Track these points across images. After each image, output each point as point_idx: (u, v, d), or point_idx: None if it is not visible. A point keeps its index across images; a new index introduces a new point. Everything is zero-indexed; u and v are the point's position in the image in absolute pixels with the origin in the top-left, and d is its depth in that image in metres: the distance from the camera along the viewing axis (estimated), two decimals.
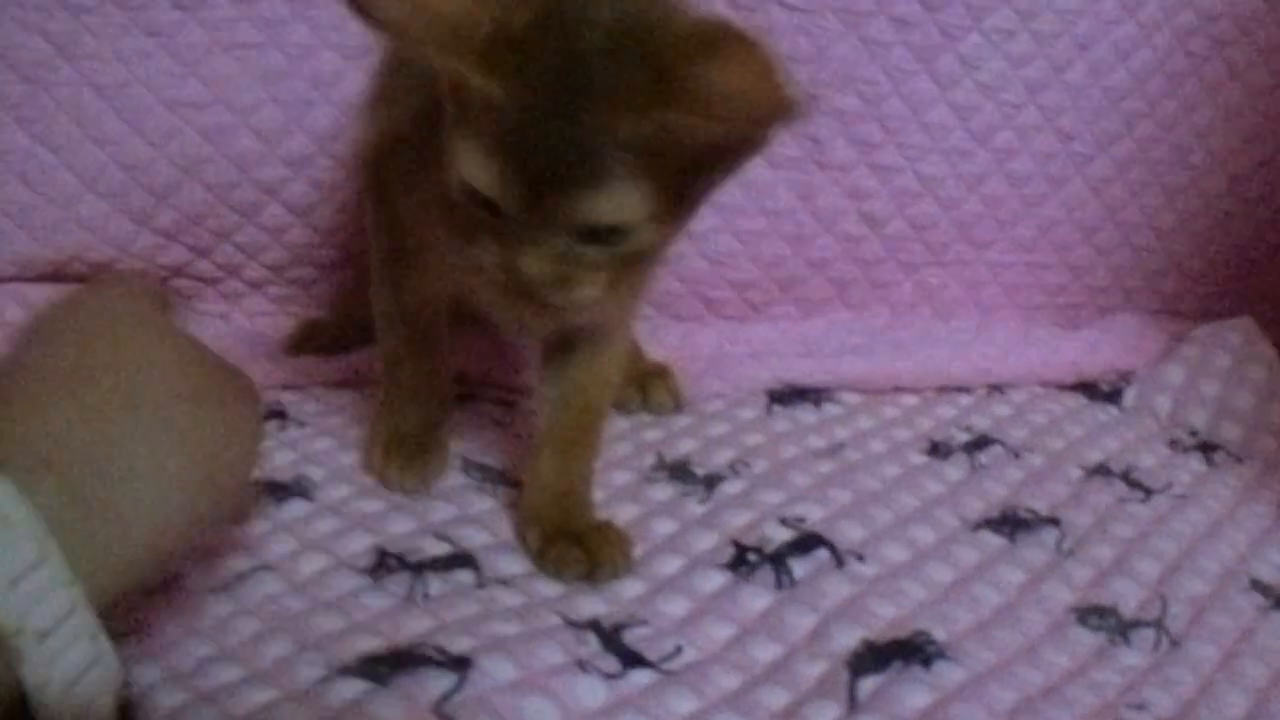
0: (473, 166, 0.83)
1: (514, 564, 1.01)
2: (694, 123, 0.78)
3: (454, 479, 1.14)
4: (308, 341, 1.38)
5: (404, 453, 1.12)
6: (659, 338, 1.41)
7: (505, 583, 0.98)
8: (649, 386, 1.32)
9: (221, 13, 1.34)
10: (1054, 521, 1.12)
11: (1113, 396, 1.42)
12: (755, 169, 1.40)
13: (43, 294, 1.37)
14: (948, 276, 1.51)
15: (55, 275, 1.40)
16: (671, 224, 0.89)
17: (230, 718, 0.80)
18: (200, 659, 0.86)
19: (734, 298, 1.48)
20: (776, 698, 0.86)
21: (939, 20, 1.40)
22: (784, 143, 1.41)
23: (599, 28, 0.80)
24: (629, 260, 0.87)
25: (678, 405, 1.32)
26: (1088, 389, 1.43)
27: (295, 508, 1.06)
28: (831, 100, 1.41)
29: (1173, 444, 1.33)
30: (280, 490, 1.08)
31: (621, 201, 0.82)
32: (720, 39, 0.79)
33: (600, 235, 0.83)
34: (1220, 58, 1.49)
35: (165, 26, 1.34)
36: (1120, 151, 1.50)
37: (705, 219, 1.41)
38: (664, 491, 1.15)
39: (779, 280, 1.47)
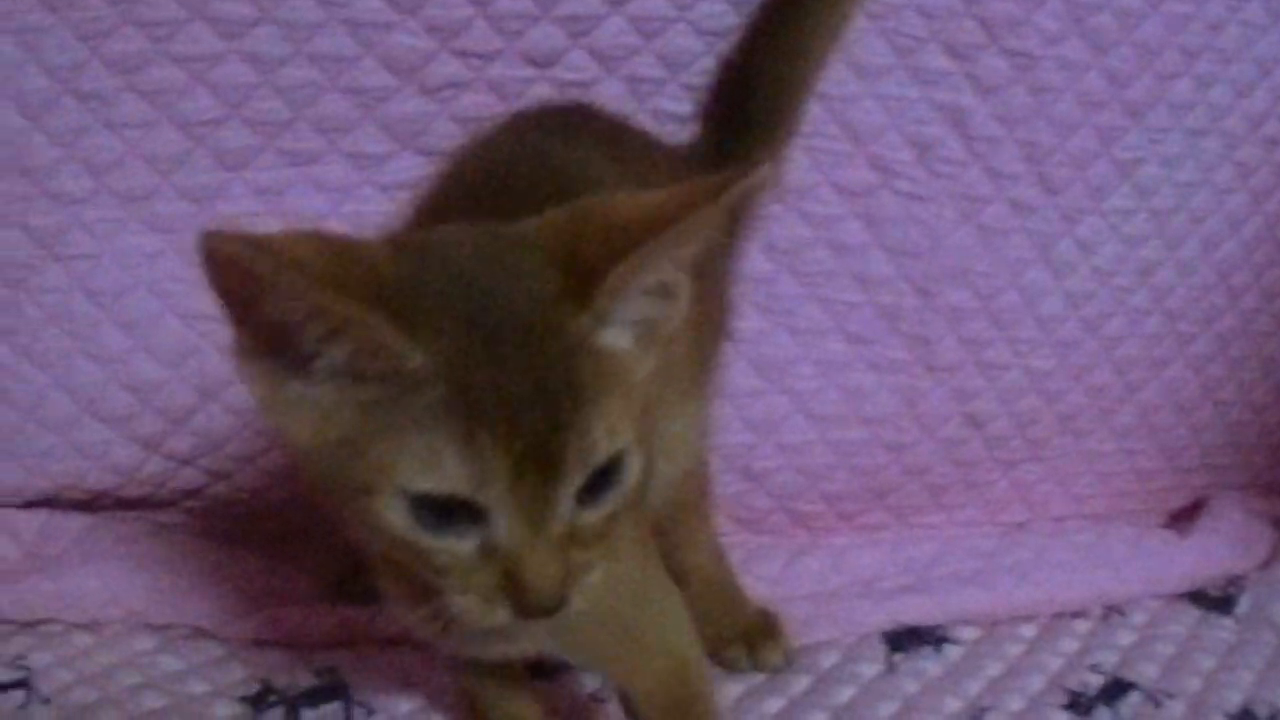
0: (428, 468, 0.65)
1: None
2: (647, 253, 0.67)
3: None
4: (352, 583, 1.20)
5: None
6: (755, 568, 1.28)
7: None
8: (756, 644, 1.18)
9: (241, 205, 1.17)
10: None
11: (1224, 605, 1.32)
12: (857, 374, 1.30)
13: (34, 524, 1.24)
14: (1044, 470, 1.41)
15: (48, 502, 1.24)
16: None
17: None
18: None
19: (826, 510, 1.35)
20: None
21: (1059, 203, 1.28)
22: (890, 345, 1.29)
23: (481, 256, 0.69)
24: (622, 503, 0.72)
25: (788, 661, 1.19)
26: (1197, 598, 1.34)
27: None
28: (944, 297, 1.29)
29: None
30: None
31: (616, 417, 0.69)
32: (588, 205, 0.71)
33: (598, 485, 0.68)
34: None
35: (174, 222, 1.17)
36: (1223, 326, 1.41)
37: (800, 429, 1.31)
38: None
39: (874, 489, 1.35)
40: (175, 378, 1.20)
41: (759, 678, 1.17)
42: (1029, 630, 1.28)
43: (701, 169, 1.07)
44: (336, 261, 0.63)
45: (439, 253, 0.69)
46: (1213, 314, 1.40)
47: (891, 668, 1.20)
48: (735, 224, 1.15)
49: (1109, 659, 1.24)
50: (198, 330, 1.18)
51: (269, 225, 1.16)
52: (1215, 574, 1.37)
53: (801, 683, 1.17)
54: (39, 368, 1.19)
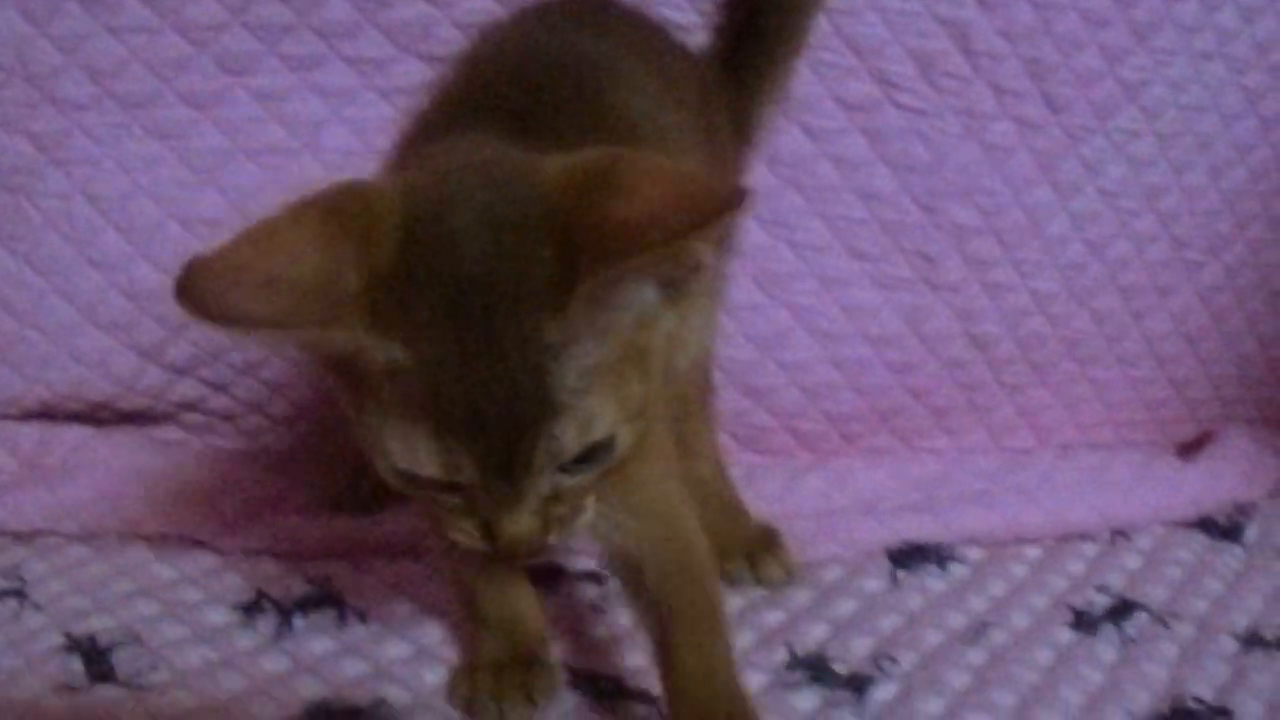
0: (406, 452, 0.70)
1: None
2: (624, 270, 0.66)
3: (564, 699, 0.99)
4: (354, 492, 1.20)
5: (500, 679, 0.96)
6: (757, 486, 1.27)
7: None
8: (757, 558, 1.18)
9: (243, 111, 1.18)
10: (1225, 713, 1.01)
11: (1233, 533, 1.32)
12: (860, 291, 1.29)
13: (31, 435, 1.24)
14: (1050, 396, 1.40)
15: (46, 413, 1.25)
16: (643, 403, 0.75)
17: None
18: None
19: (829, 430, 1.35)
20: None
21: (1064, 122, 1.28)
22: (894, 262, 1.29)
23: (477, 236, 0.69)
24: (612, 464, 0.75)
25: (790, 576, 1.18)
26: (1206, 525, 1.34)
27: None
28: (948, 214, 1.29)
29: None
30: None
31: (592, 413, 0.70)
32: (603, 172, 0.68)
33: (582, 457, 0.71)
34: None
35: (176, 127, 1.18)
36: (1231, 256, 1.41)
37: (802, 346, 1.30)
38: (807, 700, 1.00)
39: (879, 410, 1.35)
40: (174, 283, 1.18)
41: (759, 592, 1.17)
42: (1034, 552, 1.27)
43: (715, 79, 1.09)
44: (318, 270, 0.66)
45: (435, 223, 0.69)
46: (1220, 243, 1.40)
47: (895, 583, 1.19)
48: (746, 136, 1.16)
49: (1116, 580, 1.23)
50: (198, 236, 1.17)
51: (269, 135, 1.18)
52: (1223, 501, 1.36)
53: (803, 597, 1.16)
54: (40, 274, 1.20)
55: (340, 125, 1.19)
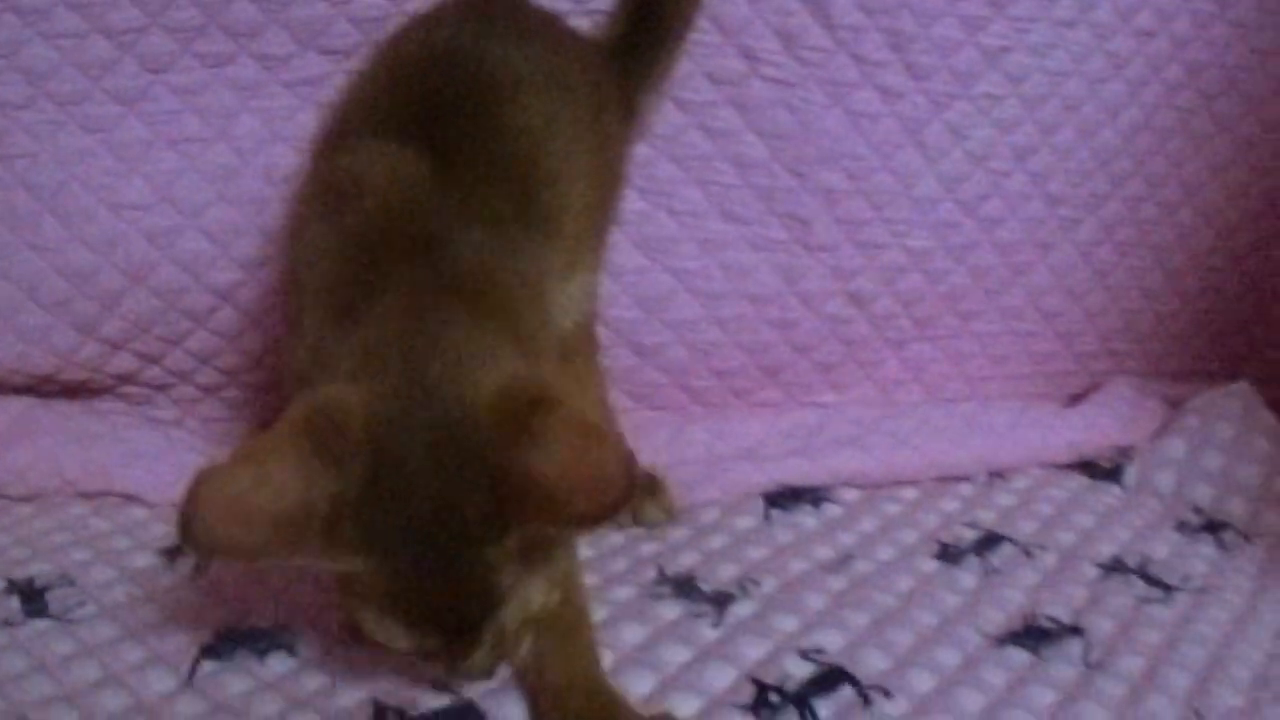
0: (378, 630, 0.86)
1: (519, 710, 0.96)
2: (545, 519, 0.82)
3: None
4: None
5: None
6: (645, 437, 1.34)
7: None
8: (639, 500, 1.25)
9: (164, 105, 1.27)
10: (1077, 631, 1.07)
11: (1113, 474, 1.38)
12: (738, 253, 1.37)
13: None
14: (935, 351, 1.47)
15: None
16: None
17: None
18: None
19: (718, 386, 1.42)
20: None
21: (927, 89, 1.35)
22: (768, 225, 1.37)
23: (425, 471, 0.81)
24: None
25: (669, 517, 1.26)
26: (1088, 468, 1.40)
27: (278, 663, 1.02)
28: (817, 178, 1.36)
29: (1181, 526, 1.29)
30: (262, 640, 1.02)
31: (528, 598, 0.86)
32: (529, 422, 0.80)
33: None
34: (1208, 111, 1.46)
35: (104, 122, 1.27)
36: (1108, 213, 1.47)
37: (688, 307, 1.38)
38: (671, 610, 1.09)
39: (764, 367, 1.42)
40: (105, 263, 1.28)
41: (639, 530, 1.25)
42: (911, 493, 1.35)
43: (608, 70, 1.19)
44: (294, 503, 0.79)
45: (392, 454, 0.81)
46: (1095, 200, 1.46)
47: (768, 520, 1.27)
48: (632, 121, 1.25)
49: (986, 517, 1.30)
50: (126, 219, 1.27)
51: (187, 126, 1.27)
52: (1102, 445, 1.43)
53: (679, 534, 1.25)
54: None
55: (250, 115, 1.28)
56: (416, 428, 0.82)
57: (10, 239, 1.28)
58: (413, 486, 0.81)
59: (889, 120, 1.36)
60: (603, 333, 1.32)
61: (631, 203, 1.33)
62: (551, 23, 1.18)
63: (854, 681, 0.98)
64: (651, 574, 1.15)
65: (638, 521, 1.26)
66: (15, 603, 1.10)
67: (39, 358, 1.31)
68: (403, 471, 0.81)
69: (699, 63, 1.31)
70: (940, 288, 1.43)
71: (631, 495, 0.79)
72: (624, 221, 1.33)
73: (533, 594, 0.86)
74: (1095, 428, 1.44)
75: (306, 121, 1.26)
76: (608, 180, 1.16)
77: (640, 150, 1.32)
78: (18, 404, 1.33)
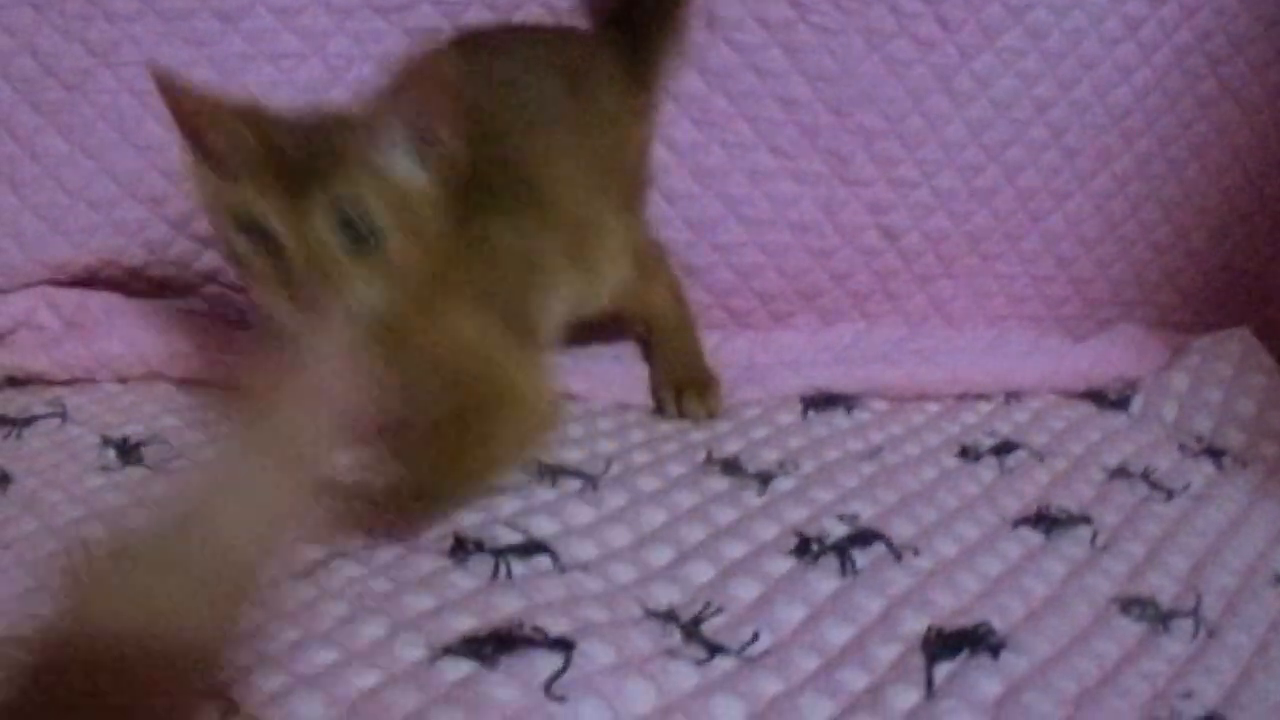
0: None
1: (588, 549, 1.05)
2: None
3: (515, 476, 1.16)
4: None
5: None
6: None
7: (584, 568, 1.02)
8: (685, 394, 1.37)
9: (263, 23, 1.37)
10: (1086, 520, 1.17)
11: (1121, 404, 1.47)
12: (782, 184, 1.48)
13: (72, 299, 1.41)
14: (958, 288, 1.57)
15: (89, 280, 1.41)
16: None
17: (336, 701, 0.82)
18: (291, 643, 0.88)
19: (759, 309, 1.53)
20: (857, 679, 0.90)
21: (956, 40, 1.46)
22: (810, 159, 1.48)
23: None
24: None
25: (709, 415, 1.37)
26: (1096, 397, 1.49)
27: None
28: (856, 118, 1.47)
29: (1182, 448, 1.38)
30: None
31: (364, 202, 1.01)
32: None
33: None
34: (1214, 75, 1.56)
35: (206, 36, 1.36)
36: (1120, 167, 1.57)
37: (734, 232, 1.49)
38: (720, 483, 1.20)
39: (801, 291, 1.53)
40: None
41: (686, 422, 1.36)
42: (934, 407, 1.44)
43: (607, 56, 1.34)
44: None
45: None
46: (1109, 154, 1.56)
47: (806, 419, 1.38)
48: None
49: (1003, 428, 1.39)
50: None
51: (284, 43, 1.37)
52: (1110, 377, 1.51)
53: (724, 425, 1.35)
54: (89, 156, 1.36)
55: (343, 36, 1.38)
56: None
57: (116, 139, 1.37)
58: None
59: (921, 68, 1.47)
60: None
61: (687, 134, 1.46)
62: (546, 40, 1.34)
63: (886, 541, 1.08)
64: (700, 456, 1.25)
65: (683, 414, 1.36)
66: (112, 454, 1.19)
67: (134, 251, 1.40)
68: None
69: (751, 8, 1.42)
70: (964, 227, 1.54)
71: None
72: (680, 151, 1.45)
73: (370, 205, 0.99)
74: (1105, 360, 1.53)
75: (394, 44, 1.37)
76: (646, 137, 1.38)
77: (696, 86, 1.44)
78: (110, 298, 1.41)
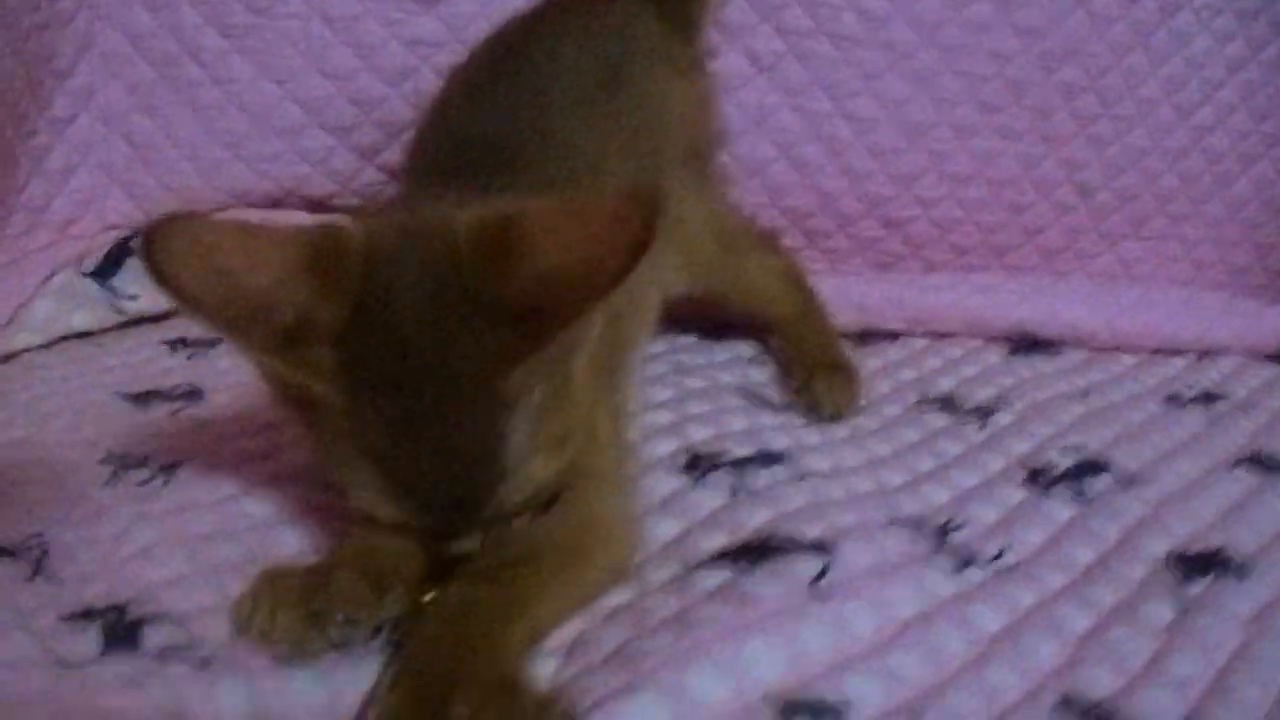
0: (360, 496, 0.76)
1: (821, 460, 1.07)
2: (563, 319, 0.72)
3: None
4: None
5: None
6: (891, 277, 1.51)
7: (824, 476, 1.04)
8: (814, 384, 1.22)
9: None
10: None
11: None
12: (985, 140, 1.49)
13: (259, 218, 1.35)
14: (1144, 250, 1.58)
15: (271, 208, 1.40)
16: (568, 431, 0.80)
17: (594, 617, 0.84)
18: None
19: (953, 261, 1.55)
20: (1107, 595, 0.91)
21: None
22: (1015, 115, 1.49)
23: (420, 306, 0.74)
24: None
25: (838, 412, 1.20)
26: None
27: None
28: (1060, 74, 1.48)
29: None
30: None
31: (534, 476, 0.77)
32: (514, 225, 0.73)
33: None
34: None
35: None
36: None
37: (936, 186, 1.50)
38: (939, 420, 1.21)
39: (994, 246, 1.54)
40: (395, 95, 1.36)
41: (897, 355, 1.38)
42: (1129, 359, 1.43)
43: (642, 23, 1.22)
44: (274, 288, 0.72)
45: (379, 287, 0.74)
46: None
47: (1010, 361, 1.38)
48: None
49: (1203, 381, 1.38)
50: (418, 54, 1.35)
51: None
52: None
53: (932, 363, 1.37)
54: (274, 82, 1.34)
55: None
56: (405, 264, 0.75)
57: (302, 64, 1.34)
58: (399, 324, 0.73)
59: (1122, 24, 1.48)
60: (855, 205, 1.48)
61: (894, 87, 1.46)
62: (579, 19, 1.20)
63: (1114, 474, 1.09)
64: (914, 396, 1.27)
65: (811, 409, 1.20)
66: None
67: (320, 180, 1.38)
68: (389, 309, 0.73)
69: None
70: (1153, 188, 1.55)
71: (651, 225, 0.69)
72: (887, 104, 1.46)
73: (539, 475, 0.77)
74: None
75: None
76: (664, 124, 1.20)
77: (905, 36, 1.44)
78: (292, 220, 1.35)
